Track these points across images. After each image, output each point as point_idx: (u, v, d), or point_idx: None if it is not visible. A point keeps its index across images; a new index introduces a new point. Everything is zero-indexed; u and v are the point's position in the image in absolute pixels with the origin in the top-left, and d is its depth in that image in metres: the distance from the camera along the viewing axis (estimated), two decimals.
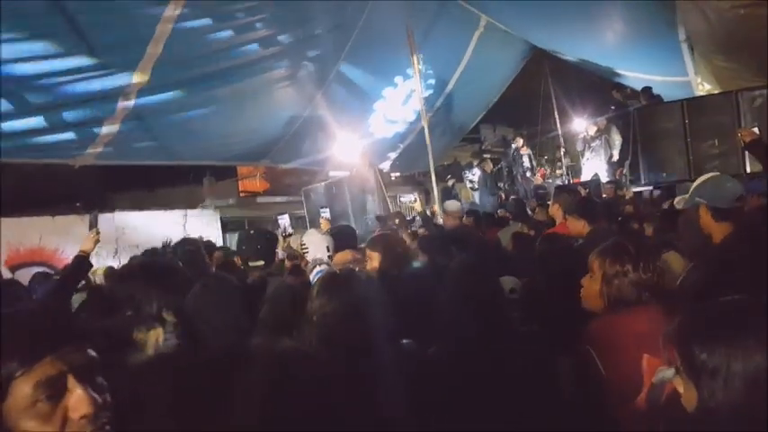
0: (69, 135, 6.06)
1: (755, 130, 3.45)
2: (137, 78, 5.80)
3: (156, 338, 2.16)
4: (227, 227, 9.59)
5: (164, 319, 2.25)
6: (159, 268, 3.22)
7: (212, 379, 0.97)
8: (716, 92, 7.32)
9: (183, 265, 3.23)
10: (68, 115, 5.77)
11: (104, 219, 6.94)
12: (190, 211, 9.18)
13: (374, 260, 3.23)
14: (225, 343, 1.70)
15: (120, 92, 5.86)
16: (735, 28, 5.62)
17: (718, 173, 2.85)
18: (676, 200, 2.91)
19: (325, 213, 6.73)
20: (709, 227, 2.66)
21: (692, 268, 2.68)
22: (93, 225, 3.50)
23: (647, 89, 9.06)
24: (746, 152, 5.10)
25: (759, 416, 1.09)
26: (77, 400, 1.04)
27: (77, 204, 7.98)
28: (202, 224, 8.97)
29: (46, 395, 1.02)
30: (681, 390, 1.23)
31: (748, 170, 6.02)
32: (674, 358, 1.28)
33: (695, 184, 2.76)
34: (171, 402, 0.94)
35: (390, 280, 2.99)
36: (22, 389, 1.01)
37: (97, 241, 3.45)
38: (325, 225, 5.78)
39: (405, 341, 2.20)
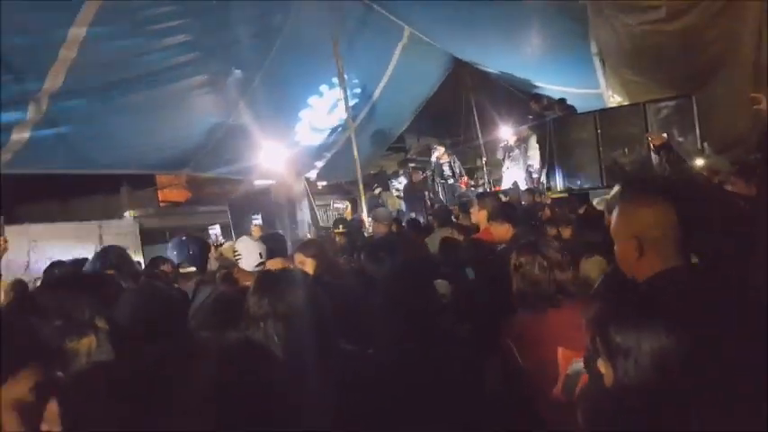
0: None
1: (664, 135, 3.74)
2: (48, 83, 5.53)
3: (89, 346, 2.07)
4: (147, 238, 9.23)
5: (96, 327, 2.15)
6: (88, 276, 3.08)
7: (158, 378, 0.97)
8: (625, 104, 7.78)
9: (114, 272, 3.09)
10: None
11: (15, 231, 6.51)
12: (105, 223, 8.78)
13: (307, 265, 3.22)
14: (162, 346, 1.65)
15: (31, 96, 5.56)
16: (641, 44, 5.99)
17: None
18: (596, 201, 3.09)
19: (257, 220, 6.62)
20: None
21: (613, 268, 2.82)
22: None
23: (562, 100, 9.50)
24: (655, 156, 5.46)
25: (666, 390, 1.20)
26: (51, 412, 1.04)
27: None
28: (120, 236, 8.59)
29: (36, 398, 1.03)
30: (603, 370, 1.33)
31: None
32: (594, 342, 1.37)
33: (615, 190, 2.92)
34: (113, 411, 0.94)
35: (323, 285, 2.99)
36: (19, 387, 1.02)
37: (5, 250, 3.22)
38: (256, 232, 5.69)
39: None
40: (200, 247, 3.32)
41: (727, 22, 5.04)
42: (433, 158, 12.07)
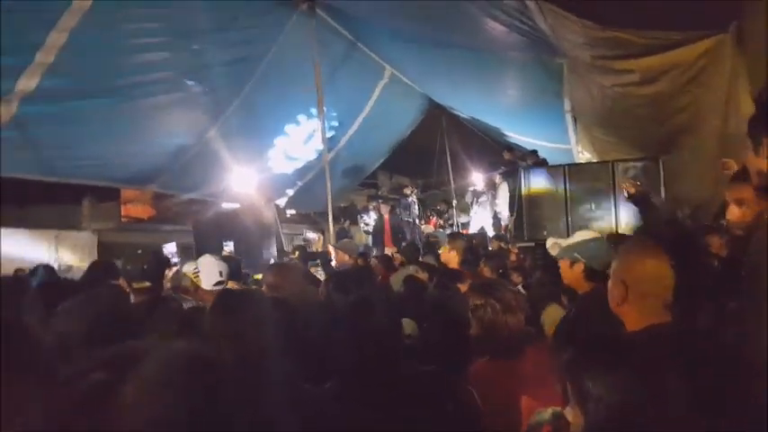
0: None
1: (638, 182, 3.68)
2: (22, 85, 5.41)
3: None
4: (104, 253, 8.96)
5: None
6: None
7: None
8: (594, 160, 8.00)
9: None
10: None
11: None
12: (63, 233, 8.51)
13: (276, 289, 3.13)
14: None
15: (2, 97, 5.42)
16: (613, 105, 6.18)
17: (599, 235, 2.97)
18: (549, 244, 3.02)
19: (228, 246, 6.45)
20: (577, 282, 2.81)
21: (568, 316, 2.82)
22: None
23: (534, 152, 9.76)
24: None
25: None
26: None
27: None
28: (76, 248, 8.33)
29: None
30: (570, 419, 1.32)
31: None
32: (566, 388, 1.37)
33: (577, 239, 2.88)
34: None
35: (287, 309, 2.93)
36: None
37: None
38: None
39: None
40: (156, 262, 3.21)
41: (695, 91, 5.23)
42: (407, 196, 12.17)
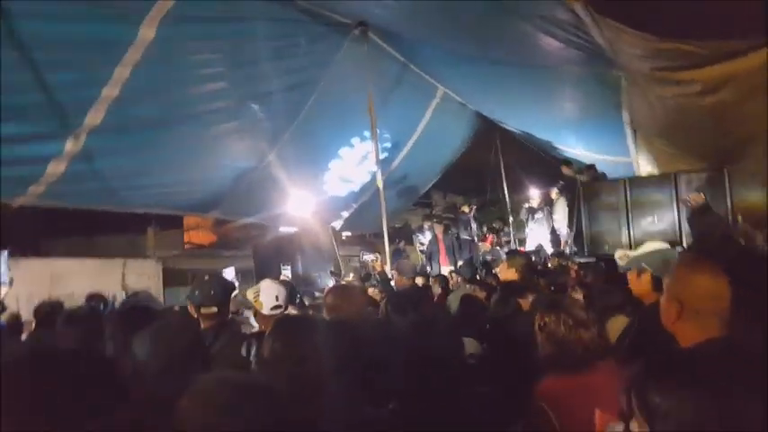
0: (11, 172, 5.71)
1: (702, 194, 3.57)
2: (89, 119, 5.67)
3: None
4: (169, 279, 9.26)
5: None
6: None
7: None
8: (656, 172, 7.75)
9: None
10: (12, 151, 5.46)
11: (38, 264, 6.60)
12: (130, 261, 8.85)
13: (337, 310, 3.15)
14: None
15: (72, 131, 5.69)
16: (675, 115, 5.97)
17: (668, 247, 2.96)
18: (618, 254, 3.06)
19: (286, 270, 6.55)
20: (644, 293, 2.82)
21: (632, 326, 2.80)
22: None
23: (592, 166, 9.52)
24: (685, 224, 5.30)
25: None
26: None
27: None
28: (142, 275, 8.64)
29: None
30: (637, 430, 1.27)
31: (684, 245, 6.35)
32: (631, 403, 1.32)
33: (647, 249, 2.89)
34: None
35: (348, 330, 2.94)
36: None
37: None
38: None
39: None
40: (223, 288, 3.27)
41: (762, 98, 5.00)
42: (466, 214, 12.08)
